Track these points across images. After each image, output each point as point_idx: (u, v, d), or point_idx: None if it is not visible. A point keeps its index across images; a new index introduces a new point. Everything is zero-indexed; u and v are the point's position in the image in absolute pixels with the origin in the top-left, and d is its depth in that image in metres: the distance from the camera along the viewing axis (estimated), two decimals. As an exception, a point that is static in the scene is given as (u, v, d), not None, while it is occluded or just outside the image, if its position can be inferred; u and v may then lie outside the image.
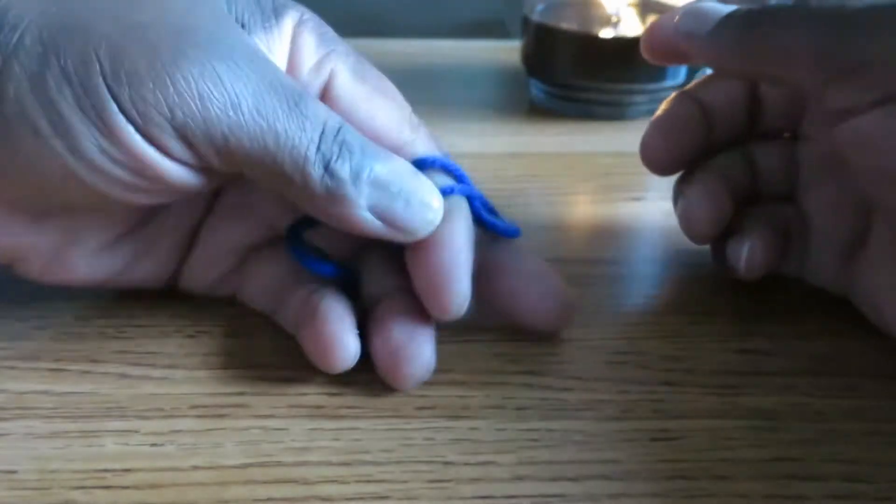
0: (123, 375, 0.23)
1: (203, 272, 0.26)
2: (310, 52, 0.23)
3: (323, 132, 0.21)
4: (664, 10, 0.43)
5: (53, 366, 0.24)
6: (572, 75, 0.42)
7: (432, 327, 0.23)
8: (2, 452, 0.21)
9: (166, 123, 0.20)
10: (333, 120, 0.21)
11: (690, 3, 0.25)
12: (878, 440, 0.22)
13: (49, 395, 0.23)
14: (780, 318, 0.27)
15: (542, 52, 0.43)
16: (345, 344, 0.22)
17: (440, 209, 0.22)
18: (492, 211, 0.25)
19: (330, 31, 0.24)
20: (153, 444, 0.21)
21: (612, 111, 0.43)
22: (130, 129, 0.20)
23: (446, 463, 0.21)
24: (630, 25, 0.43)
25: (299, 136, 0.20)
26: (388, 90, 0.24)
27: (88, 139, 0.19)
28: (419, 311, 0.23)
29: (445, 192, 0.23)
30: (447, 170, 0.23)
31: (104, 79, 0.19)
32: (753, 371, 0.24)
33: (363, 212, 0.21)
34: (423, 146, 0.24)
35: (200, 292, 0.26)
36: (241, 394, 0.23)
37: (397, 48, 0.51)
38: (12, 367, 0.24)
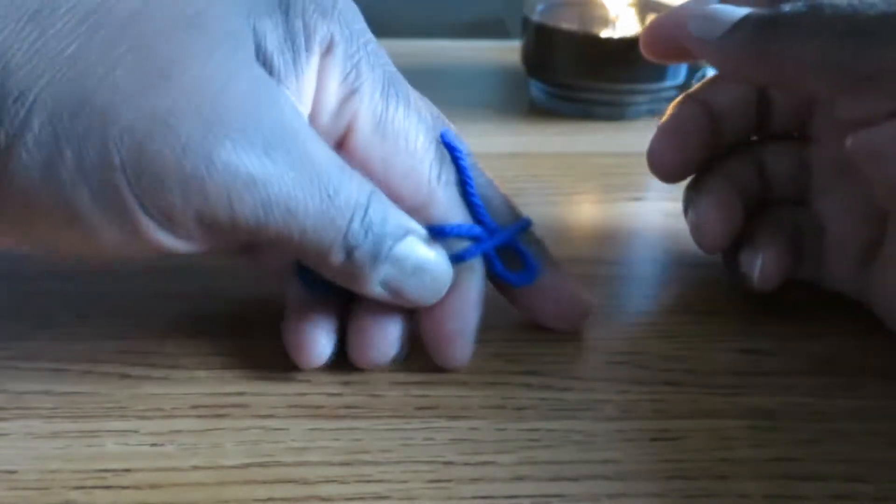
0: (123, 375, 0.23)
1: (219, 250, 0.26)
2: (333, 91, 0.22)
3: (351, 219, 0.20)
4: (664, 10, 0.43)
5: (53, 366, 0.24)
6: (572, 75, 0.42)
7: (401, 314, 0.23)
8: (2, 452, 0.21)
9: (193, 222, 0.19)
10: (363, 197, 0.21)
11: (700, 5, 0.25)
12: (878, 440, 0.22)
13: (49, 395, 0.23)
14: (780, 318, 0.27)
15: (542, 52, 0.43)
16: (316, 344, 0.23)
17: (449, 282, 0.22)
18: (527, 231, 0.25)
19: (359, 51, 0.22)
20: (153, 444, 0.21)
21: (612, 111, 0.43)
22: (154, 225, 0.19)
23: (446, 463, 0.21)
24: (630, 25, 0.43)
25: (328, 228, 0.20)
26: (411, 137, 0.22)
27: (107, 232, 0.19)
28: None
29: (456, 260, 0.23)
30: (463, 235, 0.23)
31: (127, 180, 0.18)
32: (753, 371, 0.24)
33: (375, 286, 0.22)
34: (441, 207, 0.23)
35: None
36: (241, 394, 0.23)
37: (397, 48, 0.51)
38: (12, 367, 0.24)
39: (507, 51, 0.51)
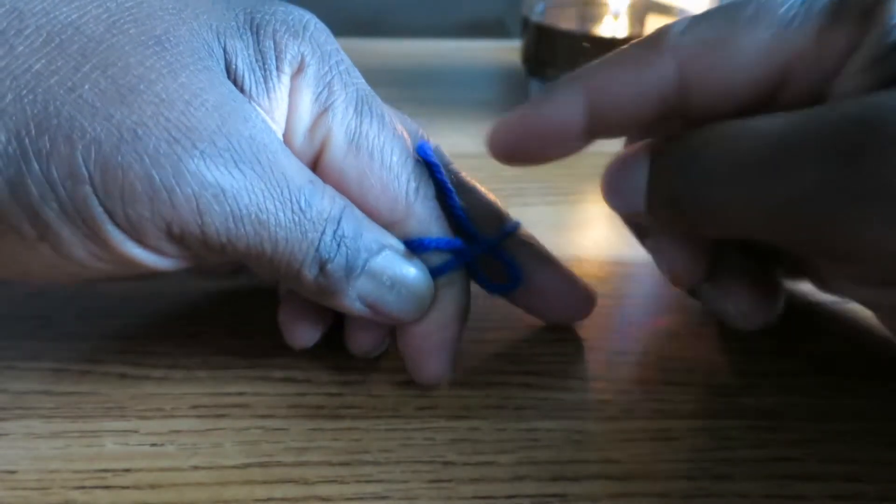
0: (123, 375, 0.23)
1: (207, 270, 0.26)
2: (305, 110, 0.22)
3: (323, 232, 0.20)
4: (664, 10, 0.43)
5: (53, 366, 0.24)
6: (572, 75, 0.42)
7: None
8: (2, 452, 0.21)
9: (163, 234, 0.19)
10: (335, 211, 0.21)
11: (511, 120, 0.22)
12: (878, 440, 0.22)
13: (49, 395, 0.23)
14: (780, 318, 0.27)
15: (542, 52, 0.43)
16: (306, 324, 0.23)
17: (430, 296, 0.22)
18: (514, 235, 0.24)
19: (331, 71, 0.22)
20: (153, 444, 0.21)
21: (612, 111, 0.43)
22: (123, 237, 0.19)
23: (446, 463, 0.21)
24: (629, 25, 0.43)
25: (299, 241, 0.20)
26: (386, 153, 0.22)
27: (77, 246, 0.19)
28: None
29: (437, 272, 0.22)
30: (442, 248, 0.23)
31: (95, 193, 0.18)
32: (753, 371, 0.24)
33: (353, 302, 0.21)
34: (419, 222, 0.22)
35: (210, 274, 0.27)
36: (241, 394, 0.23)
37: (397, 48, 0.51)
38: (12, 367, 0.24)
39: (507, 51, 0.51)
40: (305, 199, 0.20)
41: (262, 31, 0.21)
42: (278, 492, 0.20)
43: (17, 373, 0.23)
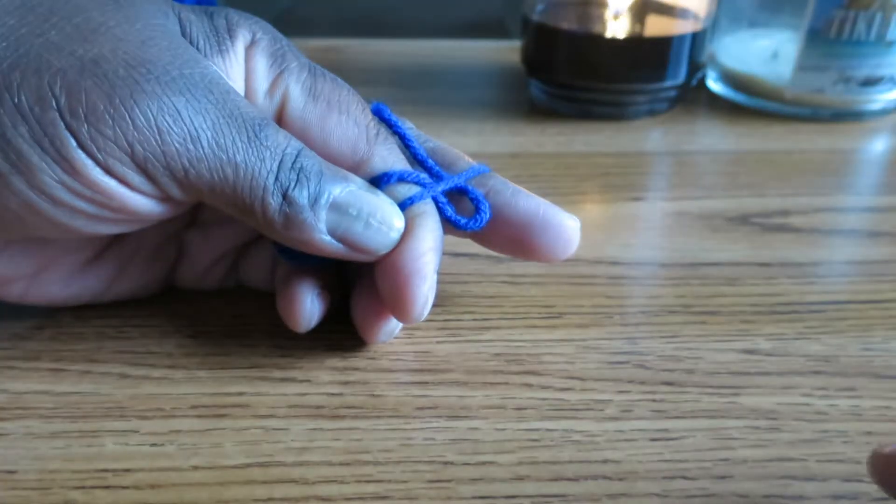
0: (123, 375, 0.23)
1: (197, 277, 0.27)
2: (262, 74, 0.23)
3: (281, 161, 0.21)
4: (664, 10, 0.43)
5: (53, 366, 0.24)
6: (572, 75, 0.42)
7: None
8: (2, 452, 0.21)
9: (126, 157, 0.19)
10: (292, 147, 0.21)
11: None
12: (878, 440, 0.22)
13: (49, 395, 0.23)
14: (780, 318, 0.27)
15: (542, 52, 0.43)
16: (304, 306, 0.23)
17: (400, 226, 0.22)
18: (486, 176, 0.25)
19: (283, 47, 0.23)
20: (153, 444, 0.21)
21: (612, 111, 0.43)
22: (90, 163, 0.19)
23: (446, 463, 0.21)
24: (630, 25, 0.43)
25: (258, 167, 0.20)
26: (343, 103, 0.23)
27: (48, 175, 0.19)
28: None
29: (405, 205, 0.23)
30: (406, 179, 0.23)
31: (61, 115, 0.19)
32: (753, 371, 0.24)
33: (323, 236, 0.21)
34: (382, 160, 0.23)
35: (199, 289, 0.27)
36: (241, 394, 0.23)
37: (397, 48, 0.51)
38: (12, 367, 0.24)
39: (507, 51, 0.51)
40: (260, 128, 0.21)
41: (215, 15, 0.23)
42: (278, 492, 0.20)
43: (17, 373, 0.23)
